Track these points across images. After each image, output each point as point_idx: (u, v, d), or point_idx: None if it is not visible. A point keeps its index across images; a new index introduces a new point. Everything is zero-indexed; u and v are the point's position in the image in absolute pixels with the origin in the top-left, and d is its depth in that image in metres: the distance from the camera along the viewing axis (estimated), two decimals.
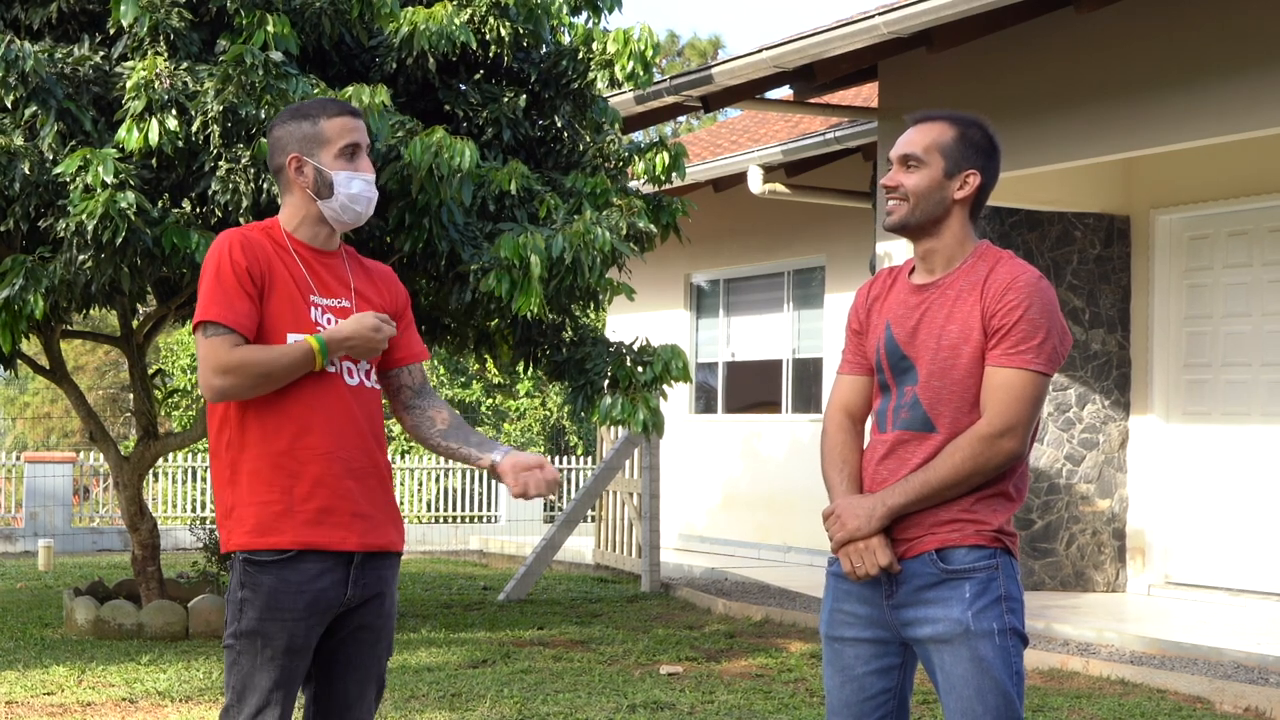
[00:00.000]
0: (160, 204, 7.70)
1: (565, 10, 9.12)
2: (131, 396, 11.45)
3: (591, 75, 9.16)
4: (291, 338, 3.42)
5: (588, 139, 9.51)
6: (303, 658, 3.44)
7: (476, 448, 3.59)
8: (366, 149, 3.56)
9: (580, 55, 9.17)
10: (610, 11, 9.39)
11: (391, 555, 3.55)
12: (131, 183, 7.41)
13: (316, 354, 3.39)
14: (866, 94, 12.36)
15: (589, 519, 13.63)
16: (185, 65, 7.77)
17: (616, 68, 9.04)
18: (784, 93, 12.26)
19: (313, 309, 3.47)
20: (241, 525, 3.41)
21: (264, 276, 3.43)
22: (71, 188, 7.39)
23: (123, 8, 7.73)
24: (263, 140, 7.62)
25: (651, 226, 8.97)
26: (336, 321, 3.49)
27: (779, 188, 12.48)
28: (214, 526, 11.37)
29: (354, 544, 3.44)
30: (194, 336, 3.49)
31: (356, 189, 3.52)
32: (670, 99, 11.11)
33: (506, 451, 3.54)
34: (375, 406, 3.56)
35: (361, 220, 3.57)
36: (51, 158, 7.61)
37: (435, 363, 23.98)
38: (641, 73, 9.04)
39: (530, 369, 9.34)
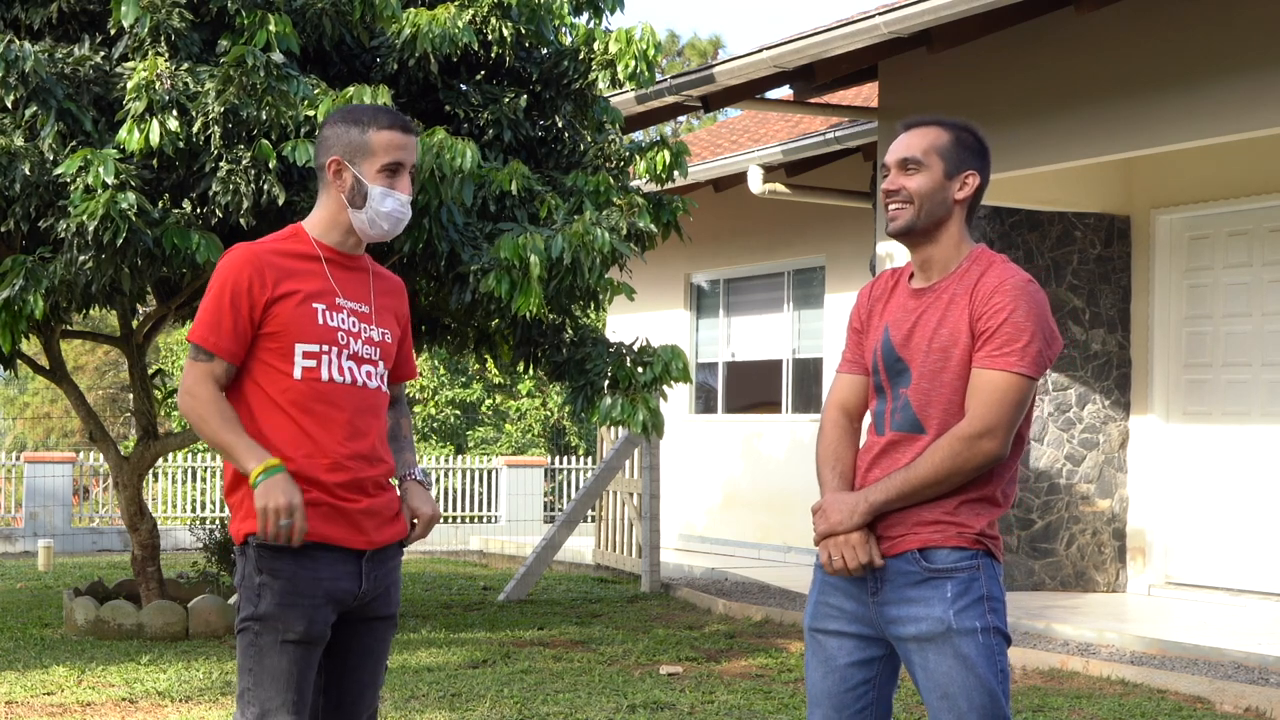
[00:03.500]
0: (161, 205, 7.70)
1: (567, 10, 9.12)
2: (131, 396, 11.44)
3: (593, 75, 9.16)
4: (300, 348, 3.44)
5: (589, 139, 9.51)
6: (319, 647, 3.48)
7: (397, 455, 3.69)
8: (410, 168, 3.56)
9: (581, 55, 9.17)
10: (612, 12, 9.38)
11: (396, 545, 3.61)
12: (132, 183, 7.41)
13: (254, 473, 3.35)
14: (866, 94, 12.36)
15: (589, 519, 13.63)
16: (186, 66, 7.76)
17: (619, 67, 9.03)
18: (784, 93, 12.27)
19: (336, 313, 3.49)
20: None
21: (270, 297, 3.43)
22: (72, 188, 7.39)
23: (123, 8, 7.73)
24: (264, 142, 7.63)
25: (652, 226, 8.97)
26: (358, 324, 3.51)
27: (779, 188, 12.48)
28: (214, 526, 11.37)
29: (364, 542, 3.50)
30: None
31: (389, 207, 3.53)
32: (671, 99, 11.11)
33: (411, 475, 3.64)
34: (384, 408, 3.62)
35: (388, 238, 3.59)
36: (52, 158, 7.61)
37: (436, 362, 23.98)
38: (645, 72, 9.03)
39: (530, 369, 9.34)
